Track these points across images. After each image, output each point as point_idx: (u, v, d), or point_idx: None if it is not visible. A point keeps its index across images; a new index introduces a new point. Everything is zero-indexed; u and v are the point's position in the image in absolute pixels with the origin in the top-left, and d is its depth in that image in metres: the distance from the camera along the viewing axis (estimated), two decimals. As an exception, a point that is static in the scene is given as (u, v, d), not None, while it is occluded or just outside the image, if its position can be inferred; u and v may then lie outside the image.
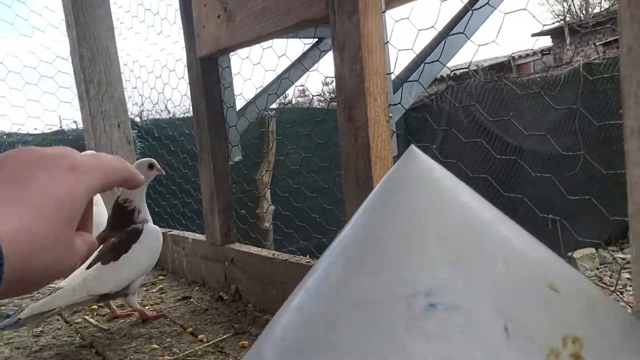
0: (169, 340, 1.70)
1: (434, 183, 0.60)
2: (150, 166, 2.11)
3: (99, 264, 1.82)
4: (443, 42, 1.28)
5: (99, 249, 1.90)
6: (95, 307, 2.15)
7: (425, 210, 0.57)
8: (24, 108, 3.37)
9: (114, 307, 2.02)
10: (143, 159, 2.19)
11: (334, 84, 1.39)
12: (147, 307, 2.08)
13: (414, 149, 0.65)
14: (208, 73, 2.04)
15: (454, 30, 1.27)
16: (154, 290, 2.33)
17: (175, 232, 2.64)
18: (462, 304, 0.51)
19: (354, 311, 0.54)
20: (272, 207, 6.25)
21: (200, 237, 2.35)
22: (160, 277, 2.54)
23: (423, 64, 1.28)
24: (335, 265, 0.60)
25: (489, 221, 0.58)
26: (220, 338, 1.66)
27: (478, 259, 0.54)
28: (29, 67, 3.21)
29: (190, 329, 1.77)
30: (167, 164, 3.47)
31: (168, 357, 1.54)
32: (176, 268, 2.56)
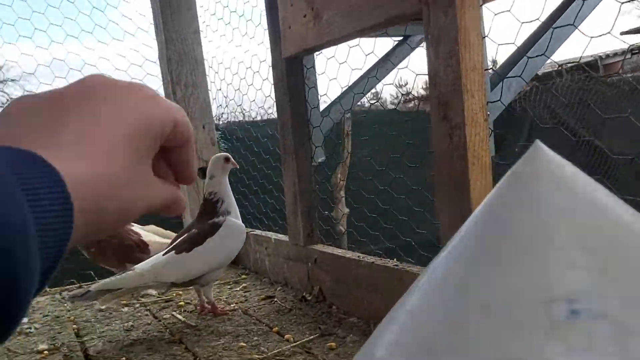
0: (255, 338, 1.71)
1: (567, 180, 0.55)
2: (226, 159, 2.23)
3: (173, 252, 1.94)
4: (550, 33, 1.20)
5: (180, 238, 2.04)
6: (183, 303, 2.21)
7: (561, 209, 0.52)
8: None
9: (203, 298, 2.07)
10: (219, 154, 2.30)
11: (407, 85, 1.35)
12: (232, 305, 2.11)
13: (539, 143, 0.60)
14: (293, 73, 2.05)
15: (560, 22, 1.20)
16: (238, 289, 2.36)
17: (257, 232, 2.67)
18: (610, 312, 0.46)
19: (482, 315, 0.50)
20: (347, 210, 6.25)
21: (283, 237, 2.36)
22: (243, 276, 2.58)
23: (526, 57, 1.21)
24: (457, 266, 0.56)
25: (632, 223, 0.53)
26: (307, 339, 1.65)
27: (625, 264, 0.49)
28: (120, 70, 3.35)
29: (276, 328, 1.77)
30: (249, 165, 3.53)
31: (257, 356, 1.55)
32: (258, 267, 2.58)
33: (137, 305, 2.29)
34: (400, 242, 2.45)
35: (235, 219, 2.16)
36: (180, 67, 2.81)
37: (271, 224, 3.33)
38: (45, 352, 1.81)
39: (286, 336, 1.68)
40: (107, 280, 1.86)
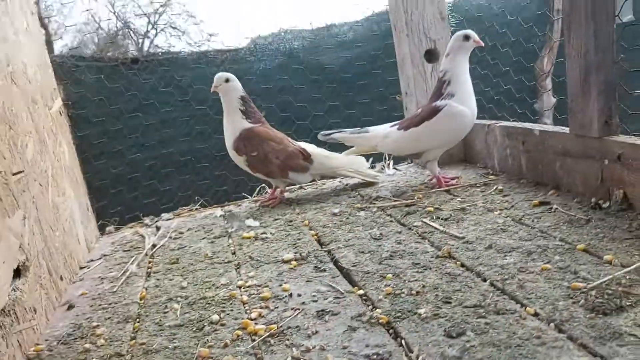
0: (558, 258, 1.28)
1: None
2: (466, 37, 2.05)
3: (396, 127, 2.12)
4: None
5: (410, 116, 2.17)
6: (432, 209, 1.85)
7: None
8: None
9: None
10: (460, 31, 2.07)
11: None
12: (496, 213, 1.70)
13: None
14: None
15: None
16: (492, 192, 1.94)
17: (506, 123, 2.19)
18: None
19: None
20: (554, 99, 5.41)
21: (553, 128, 1.85)
22: (491, 177, 2.14)
23: None
24: None
25: None
26: (643, 263, 1.18)
27: None
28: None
29: (582, 245, 1.33)
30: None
31: (579, 284, 1.13)
32: (508, 166, 2.12)
33: (374, 209, 1.98)
34: None
35: (458, 103, 2.02)
36: None
37: (505, 114, 2.80)
38: (293, 262, 1.57)
39: (606, 257, 1.23)
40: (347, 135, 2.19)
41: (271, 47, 4.88)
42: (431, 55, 2.47)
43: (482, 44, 2.07)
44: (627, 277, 1.13)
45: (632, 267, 1.16)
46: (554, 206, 1.65)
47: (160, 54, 5.01)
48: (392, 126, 2.14)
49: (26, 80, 1.83)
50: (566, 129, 1.75)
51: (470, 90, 2.06)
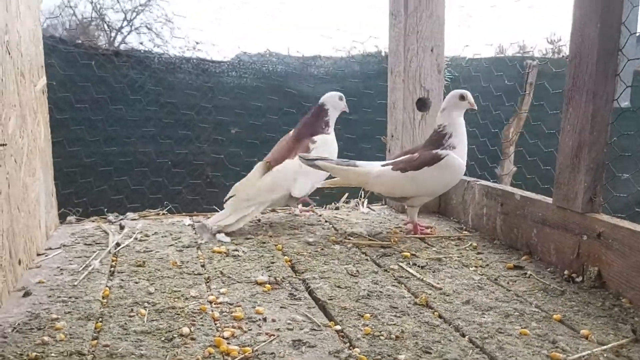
0: (535, 325, 1.30)
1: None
2: (462, 97, 2.09)
3: (390, 167, 2.08)
4: None
5: (399, 157, 2.15)
6: (408, 254, 1.85)
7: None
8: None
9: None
10: (457, 90, 2.12)
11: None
12: (472, 269, 1.72)
13: None
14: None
15: None
16: (467, 247, 1.96)
17: (486, 182, 2.23)
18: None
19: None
20: (515, 168, 5.59)
21: (535, 196, 1.90)
22: (465, 232, 2.17)
23: None
24: None
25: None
26: (619, 342, 1.21)
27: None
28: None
29: (558, 315, 1.35)
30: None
31: (560, 355, 1.14)
32: (482, 225, 2.16)
33: (350, 245, 1.97)
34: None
35: (458, 156, 2.06)
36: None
37: (485, 174, 2.86)
38: (267, 285, 1.54)
39: (583, 331, 1.26)
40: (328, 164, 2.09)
41: (254, 66, 4.88)
42: (422, 104, 2.51)
43: (475, 108, 2.12)
44: (605, 356, 1.15)
45: (609, 346, 1.19)
46: (529, 272, 1.68)
47: (142, 51, 4.95)
48: (383, 165, 2.11)
49: (19, 53, 1.76)
50: (549, 199, 1.79)
51: (466, 147, 2.11)
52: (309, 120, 2.36)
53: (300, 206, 2.48)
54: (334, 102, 2.38)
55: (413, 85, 2.46)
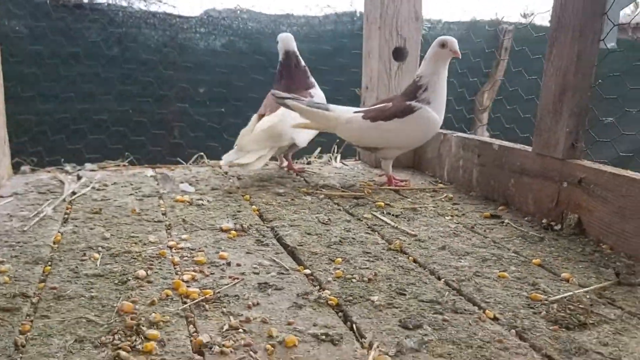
0: (514, 269, 1.24)
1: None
2: (443, 45, 1.94)
3: (360, 114, 1.98)
4: None
5: (374, 106, 2.05)
6: (382, 204, 1.77)
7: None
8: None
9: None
10: (440, 37, 1.96)
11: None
12: (447, 218, 1.65)
13: None
14: None
15: None
16: (442, 199, 1.89)
17: (463, 134, 2.16)
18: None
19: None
20: (487, 132, 5.56)
21: (514, 145, 1.83)
22: (440, 185, 2.10)
23: None
24: None
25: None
26: (602, 284, 1.15)
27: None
28: None
29: (537, 260, 1.29)
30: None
31: (540, 296, 1.08)
32: (458, 178, 2.09)
33: (322, 196, 1.88)
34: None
35: (433, 110, 1.94)
36: None
37: (462, 126, 2.78)
38: (232, 232, 1.45)
39: (563, 275, 1.20)
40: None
41: (224, 22, 4.70)
42: (399, 54, 2.41)
43: (459, 55, 1.96)
44: (587, 297, 1.09)
45: (591, 288, 1.13)
46: (506, 220, 1.62)
47: (105, 4, 4.73)
48: (355, 112, 2.00)
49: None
50: (528, 147, 1.73)
51: (444, 101, 1.99)
52: (291, 73, 2.21)
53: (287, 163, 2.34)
54: (293, 44, 2.25)
55: (390, 33, 2.35)
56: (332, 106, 2.01)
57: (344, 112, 1.99)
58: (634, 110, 1.67)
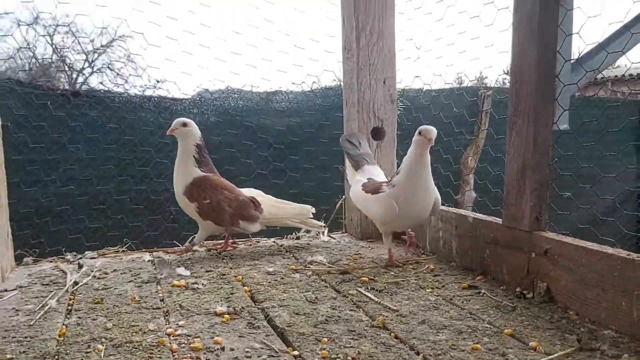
0: (487, 340, 1.34)
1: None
2: (419, 132, 1.93)
3: (362, 184, 2.17)
4: None
5: (377, 182, 2.16)
6: (366, 279, 1.88)
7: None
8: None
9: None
10: (420, 127, 1.96)
11: None
12: (428, 291, 1.76)
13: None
14: (547, 12, 1.62)
15: None
16: (424, 270, 2.00)
17: (441, 207, 2.29)
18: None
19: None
20: (474, 194, 5.70)
21: (486, 217, 1.97)
22: (423, 256, 2.22)
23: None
24: None
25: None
26: (564, 352, 1.26)
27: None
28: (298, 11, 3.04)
29: (509, 330, 1.39)
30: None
31: (508, 367, 1.18)
32: (439, 248, 2.21)
33: (309, 273, 2.00)
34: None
35: (395, 195, 1.98)
36: (367, 10, 2.45)
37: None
38: (226, 315, 1.55)
39: (531, 343, 1.30)
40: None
41: (216, 102, 4.92)
42: (377, 133, 2.58)
43: (430, 144, 1.93)
44: (551, 364, 1.20)
45: (555, 355, 1.24)
46: (482, 291, 1.74)
47: (102, 91, 4.94)
48: (367, 179, 2.20)
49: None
50: (499, 220, 1.86)
51: (418, 186, 1.97)
52: None
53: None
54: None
55: (367, 115, 2.54)
56: (365, 167, 2.28)
57: (358, 180, 2.24)
58: (587, 186, 1.82)
